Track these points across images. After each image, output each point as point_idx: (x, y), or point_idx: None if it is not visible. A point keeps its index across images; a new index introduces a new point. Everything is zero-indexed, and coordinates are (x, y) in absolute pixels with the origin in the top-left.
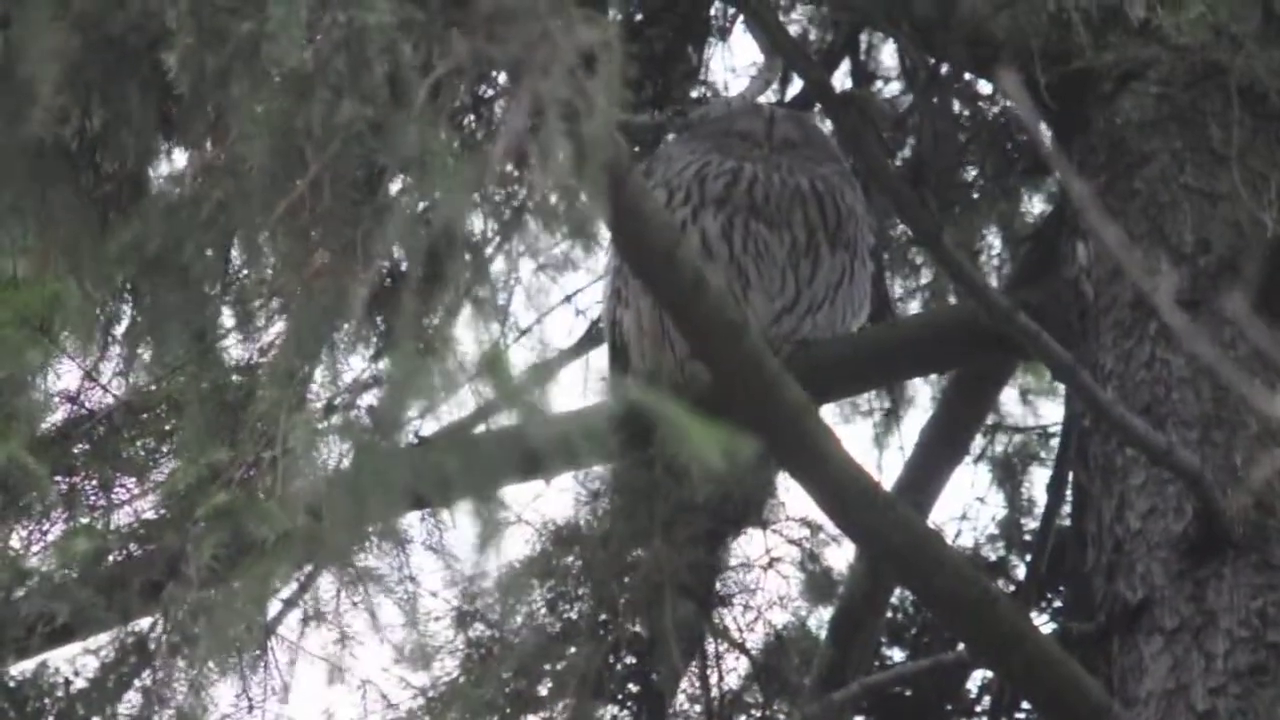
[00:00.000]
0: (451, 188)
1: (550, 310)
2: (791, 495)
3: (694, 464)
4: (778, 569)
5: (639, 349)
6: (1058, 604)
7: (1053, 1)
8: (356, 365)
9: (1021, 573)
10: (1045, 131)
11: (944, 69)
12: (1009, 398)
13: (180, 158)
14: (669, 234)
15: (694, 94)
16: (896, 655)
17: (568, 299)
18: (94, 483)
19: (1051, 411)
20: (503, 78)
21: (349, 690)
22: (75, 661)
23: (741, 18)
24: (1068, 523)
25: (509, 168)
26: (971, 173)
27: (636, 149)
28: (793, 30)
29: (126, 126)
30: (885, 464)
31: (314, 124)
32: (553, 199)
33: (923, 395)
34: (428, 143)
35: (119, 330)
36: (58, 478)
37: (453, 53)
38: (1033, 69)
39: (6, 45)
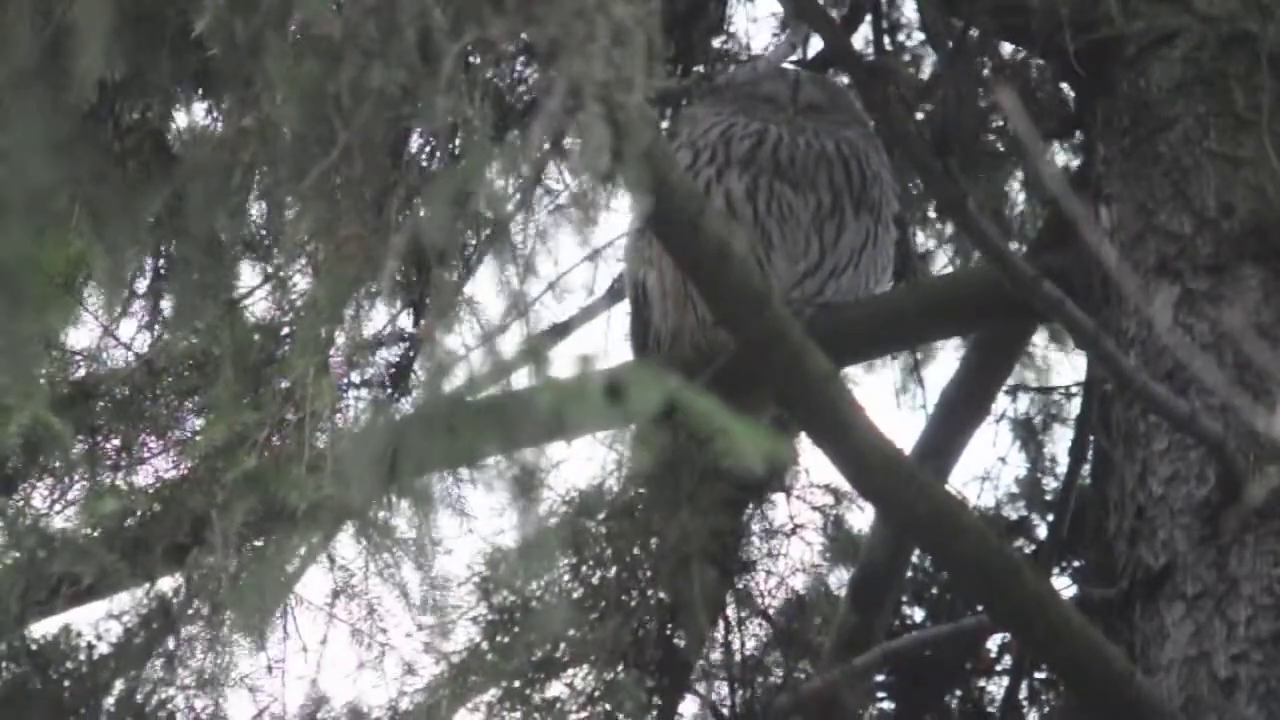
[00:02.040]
0: (486, 170)
1: (572, 268)
2: (815, 462)
3: (733, 463)
4: (801, 535)
5: (661, 310)
6: (1078, 564)
7: None
8: (377, 322)
9: (1043, 532)
10: (1045, 145)
11: (971, 33)
12: (1042, 342)
13: (200, 110)
14: (694, 202)
15: (716, 46)
16: (917, 615)
17: (590, 257)
18: (116, 442)
19: (1079, 366)
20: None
21: (372, 655)
22: (98, 626)
23: None
24: (1089, 483)
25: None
26: (996, 133)
27: (661, 113)
28: None
29: (152, 82)
30: (909, 419)
31: (345, 88)
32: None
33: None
34: (459, 109)
35: (141, 285)
36: (79, 436)
37: (487, 29)
38: (1061, 37)
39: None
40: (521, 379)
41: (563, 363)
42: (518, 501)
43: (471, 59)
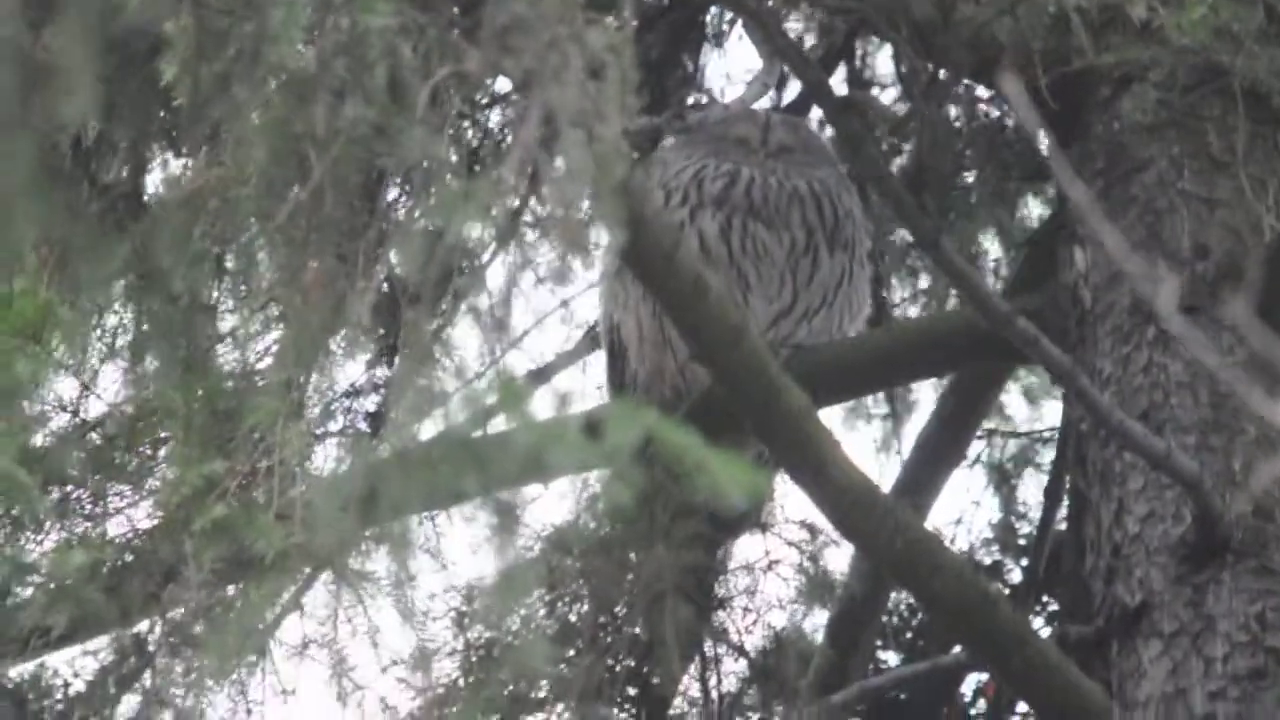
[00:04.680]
0: (460, 209)
1: (545, 316)
2: (792, 498)
3: (714, 498)
4: (777, 571)
5: (639, 353)
6: (1053, 608)
7: (1054, 2)
8: (353, 371)
9: (1016, 576)
10: (1045, 136)
11: (942, 74)
12: (1013, 398)
13: (175, 166)
14: (670, 236)
15: (689, 101)
16: (891, 660)
17: (563, 305)
18: (87, 493)
19: (1051, 414)
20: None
21: (348, 694)
22: (74, 663)
23: (740, 23)
24: (1063, 527)
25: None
26: (969, 179)
27: (635, 154)
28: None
29: (125, 135)
30: (887, 469)
31: (316, 126)
32: (547, 209)
33: (926, 399)
34: (431, 149)
35: (120, 341)
36: (51, 488)
37: (464, 62)
38: (1034, 72)
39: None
40: (499, 421)
41: (541, 406)
42: (495, 538)
43: (444, 96)
